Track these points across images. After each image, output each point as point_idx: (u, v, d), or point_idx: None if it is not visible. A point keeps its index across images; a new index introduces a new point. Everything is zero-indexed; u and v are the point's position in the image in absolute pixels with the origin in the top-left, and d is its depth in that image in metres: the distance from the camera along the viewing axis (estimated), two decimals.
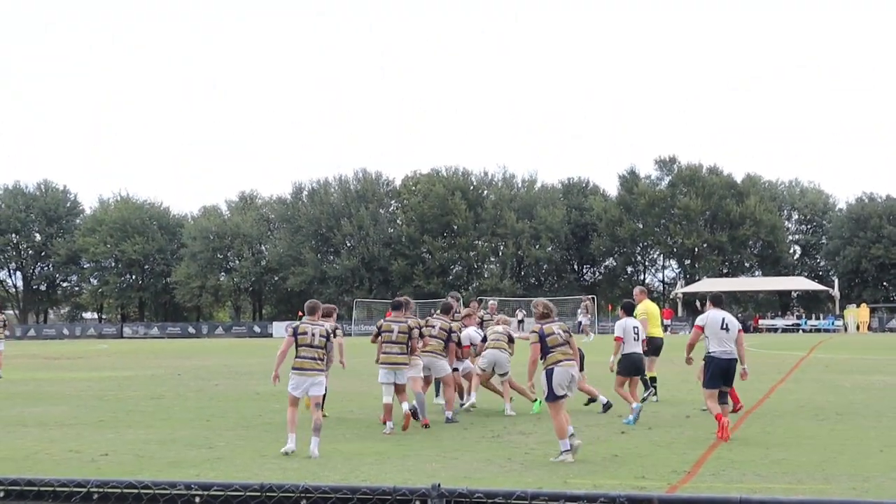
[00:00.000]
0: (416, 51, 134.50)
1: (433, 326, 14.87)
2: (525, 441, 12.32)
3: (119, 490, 3.60)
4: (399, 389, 13.68)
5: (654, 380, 16.47)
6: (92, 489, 3.60)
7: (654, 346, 16.57)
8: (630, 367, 14.74)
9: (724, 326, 12.55)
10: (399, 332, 13.68)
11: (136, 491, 3.58)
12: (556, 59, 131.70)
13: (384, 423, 13.41)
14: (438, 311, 15.63)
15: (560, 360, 11.02)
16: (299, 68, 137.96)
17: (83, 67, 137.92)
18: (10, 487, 3.65)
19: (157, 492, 3.56)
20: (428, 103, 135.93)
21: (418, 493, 3.37)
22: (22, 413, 16.42)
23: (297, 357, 11.97)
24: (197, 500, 3.54)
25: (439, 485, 3.37)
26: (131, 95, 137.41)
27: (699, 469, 10.14)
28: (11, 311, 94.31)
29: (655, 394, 16.34)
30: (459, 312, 17.26)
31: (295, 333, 12.02)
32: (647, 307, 16.82)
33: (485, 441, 12.38)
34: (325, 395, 12.56)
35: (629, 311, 15.38)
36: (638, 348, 14.91)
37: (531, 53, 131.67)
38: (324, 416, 12.74)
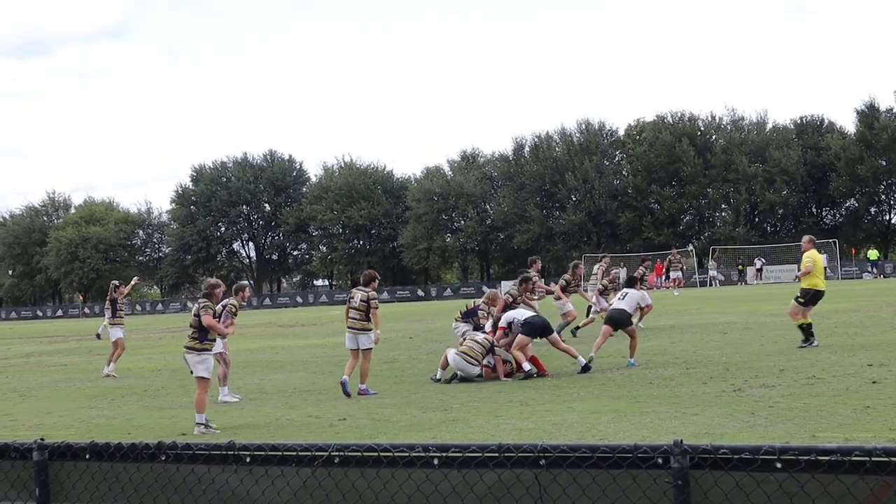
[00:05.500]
0: None
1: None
2: (768, 394, 11.78)
3: (359, 454, 3.64)
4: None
5: (809, 325, 16.97)
6: (333, 453, 3.66)
7: (813, 297, 17.17)
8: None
9: None
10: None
11: (375, 454, 3.61)
12: None
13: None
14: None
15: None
16: (516, 21, 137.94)
17: (301, 39, 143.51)
18: (255, 453, 3.77)
19: (396, 454, 3.58)
20: (649, 46, 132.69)
21: (660, 450, 3.21)
22: (262, 381, 17.26)
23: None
24: (435, 461, 3.53)
25: (682, 441, 3.20)
26: (345, 60, 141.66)
27: None
28: (246, 282, 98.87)
29: (812, 339, 16.76)
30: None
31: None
32: (813, 256, 17.41)
33: (725, 395, 11.94)
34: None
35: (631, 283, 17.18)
36: (625, 305, 16.15)
37: None
38: None
